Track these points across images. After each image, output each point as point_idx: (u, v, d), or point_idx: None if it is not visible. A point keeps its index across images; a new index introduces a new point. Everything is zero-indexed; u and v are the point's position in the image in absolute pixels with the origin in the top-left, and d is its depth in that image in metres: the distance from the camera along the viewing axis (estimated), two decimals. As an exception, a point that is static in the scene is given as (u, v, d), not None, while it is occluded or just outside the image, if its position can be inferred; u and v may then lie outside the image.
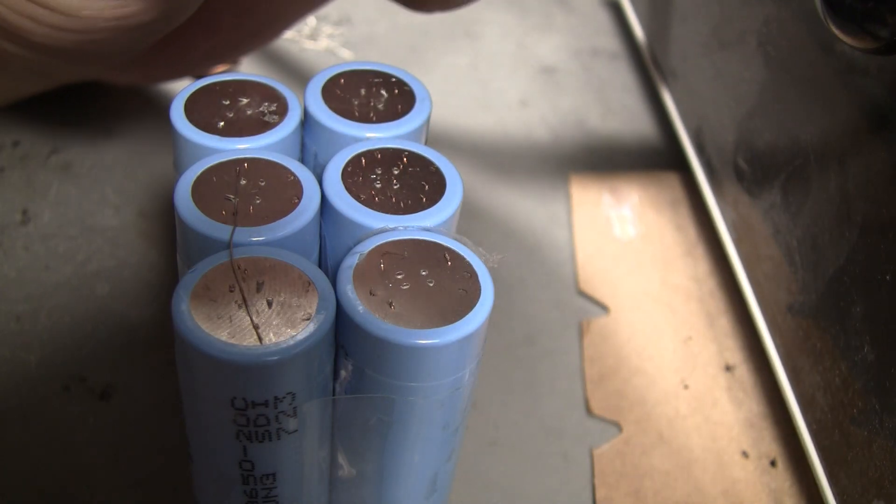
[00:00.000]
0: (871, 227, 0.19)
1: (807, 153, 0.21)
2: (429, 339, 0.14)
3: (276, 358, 0.14)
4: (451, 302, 0.15)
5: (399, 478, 0.17)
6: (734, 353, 0.25)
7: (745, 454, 0.23)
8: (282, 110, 0.18)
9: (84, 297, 0.23)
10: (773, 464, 0.23)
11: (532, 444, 0.22)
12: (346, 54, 0.33)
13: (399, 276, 0.15)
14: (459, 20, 0.35)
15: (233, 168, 0.16)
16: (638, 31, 0.33)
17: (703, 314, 0.26)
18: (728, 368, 0.25)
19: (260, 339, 0.14)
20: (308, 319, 0.14)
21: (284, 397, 0.14)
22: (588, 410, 0.23)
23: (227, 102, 0.18)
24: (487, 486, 0.22)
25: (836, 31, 0.18)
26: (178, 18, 0.20)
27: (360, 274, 0.15)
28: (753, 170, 0.24)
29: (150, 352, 0.22)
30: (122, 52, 0.20)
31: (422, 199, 0.17)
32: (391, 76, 0.19)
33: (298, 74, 0.32)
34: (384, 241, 0.16)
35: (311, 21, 0.34)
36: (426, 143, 0.18)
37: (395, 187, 0.17)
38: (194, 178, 0.16)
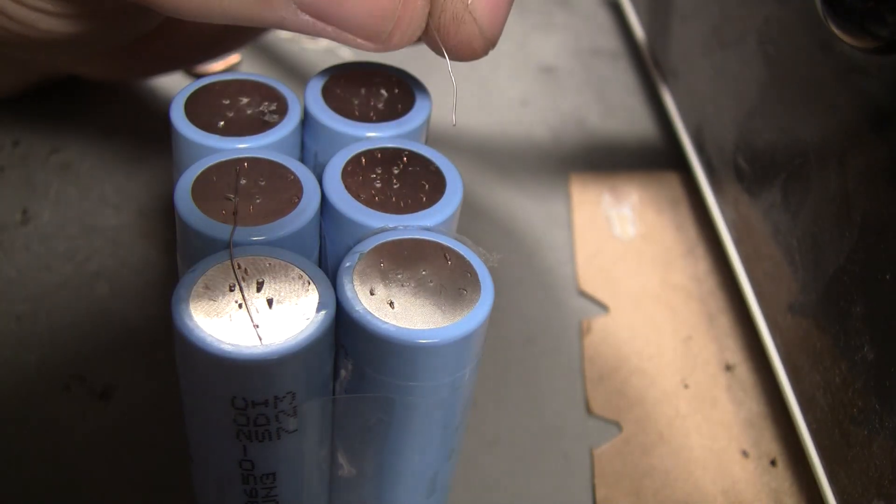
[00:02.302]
0: (871, 227, 0.19)
1: (807, 153, 0.21)
2: (429, 338, 0.14)
3: (276, 357, 0.14)
4: (451, 301, 0.15)
5: (399, 477, 0.17)
6: (734, 352, 0.25)
7: (745, 454, 0.23)
8: (282, 110, 0.18)
9: (84, 296, 0.23)
10: (773, 463, 0.23)
11: (532, 444, 0.22)
12: (346, 54, 0.33)
13: (399, 276, 0.15)
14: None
15: (233, 168, 0.16)
16: (638, 30, 0.33)
17: (704, 314, 0.26)
18: (728, 368, 0.25)
19: (260, 338, 0.14)
20: (308, 319, 0.14)
21: (284, 397, 0.14)
22: (588, 410, 0.23)
23: (227, 102, 0.18)
24: (487, 486, 0.22)
25: (836, 31, 0.18)
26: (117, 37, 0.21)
27: (361, 273, 0.15)
28: (753, 169, 0.24)
29: (150, 351, 0.22)
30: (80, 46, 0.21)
31: (422, 198, 0.17)
32: (391, 75, 0.19)
33: (298, 74, 0.32)
34: (384, 240, 0.16)
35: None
36: (426, 143, 0.18)
37: (395, 187, 0.17)
38: (194, 177, 0.16)
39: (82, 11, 0.20)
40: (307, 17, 0.16)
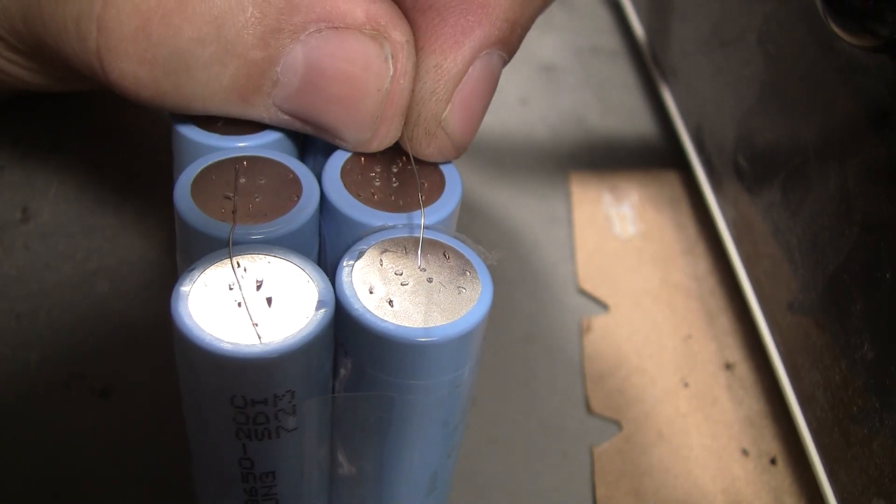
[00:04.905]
0: (871, 225, 0.19)
1: (807, 151, 0.21)
2: (428, 336, 0.14)
3: (275, 356, 0.14)
4: (451, 300, 0.15)
5: (399, 476, 0.17)
6: (734, 351, 0.25)
7: (745, 452, 0.23)
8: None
9: (84, 295, 0.23)
10: (773, 462, 0.23)
11: (532, 443, 0.22)
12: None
13: (398, 274, 0.15)
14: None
15: (232, 166, 0.16)
16: (638, 29, 0.33)
17: (703, 312, 0.26)
18: (728, 366, 0.25)
19: (259, 337, 0.14)
20: (307, 317, 0.14)
21: (284, 395, 0.14)
22: (588, 408, 0.23)
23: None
24: (487, 484, 0.22)
25: (836, 29, 0.18)
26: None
27: (360, 272, 0.15)
28: (753, 168, 0.24)
29: (149, 350, 0.22)
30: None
31: (421, 197, 0.17)
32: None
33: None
34: (383, 238, 0.16)
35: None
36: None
37: (395, 185, 0.17)
38: (194, 176, 0.16)
39: (66, 74, 0.21)
40: (287, 118, 0.17)
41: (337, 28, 0.16)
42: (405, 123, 0.17)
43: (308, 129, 0.17)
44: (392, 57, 0.16)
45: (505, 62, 0.18)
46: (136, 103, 0.17)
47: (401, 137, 0.17)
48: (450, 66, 0.16)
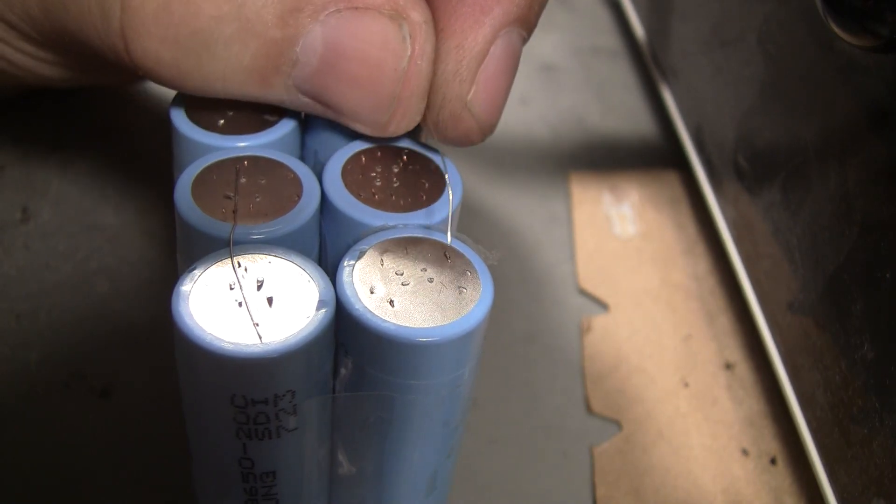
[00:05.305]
0: (871, 225, 0.19)
1: (807, 151, 0.21)
2: (428, 336, 0.14)
3: (275, 356, 0.14)
4: (451, 300, 0.15)
5: (399, 475, 0.17)
6: (734, 351, 0.25)
7: (745, 452, 0.23)
8: (281, 108, 0.18)
9: (84, 295, 0.23)
10: (773, 462, 0.23)
11: (532, 443, 0.22)
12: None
13: (399, 274, 0.15)
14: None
15: (233, 166, 0.16)
16: (638, 28, 0.33)
17: (703, 312, 0.26)
18: (728, 366, 0.25)
19: (260, 337, 0.14)
20: (308, 317, 0.14)
21: (284, 395, 0.14)
22: (588, 408, 0.23)
23: (228, 100, 0.18)
24: (487, 484, 0.22)
25: (836, 29, 0.18)
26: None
27: (360, 272, 0.15)
28: (753, 168, 0.24)
29: (150, 349, 0.22)
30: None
31: (422, 197, 0.17)
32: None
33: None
34: (384, 238, 0.16)
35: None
36: (426, 142, 0.18)
37: (395, 185, 0.17)
38: (194, 176, 0.16)
39: (77, 63, 0.21)
40: (307, 100, 0.17)
41: (356, 8, 0.16)
42: (429, 108, 0.17)
43: (329, 114, 0.17)
44: (410, 37, 0.16)
45: (525, 40, 0.17)
46: (158, 83, 0.17)
47: (424, 122, 0.17)
48: (471, 46, 0.16)
